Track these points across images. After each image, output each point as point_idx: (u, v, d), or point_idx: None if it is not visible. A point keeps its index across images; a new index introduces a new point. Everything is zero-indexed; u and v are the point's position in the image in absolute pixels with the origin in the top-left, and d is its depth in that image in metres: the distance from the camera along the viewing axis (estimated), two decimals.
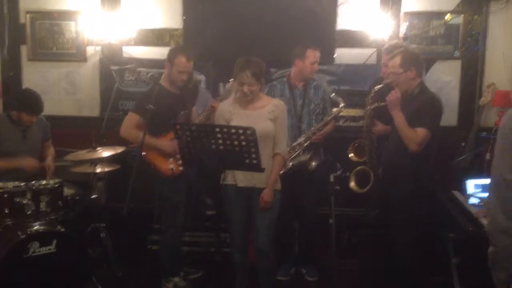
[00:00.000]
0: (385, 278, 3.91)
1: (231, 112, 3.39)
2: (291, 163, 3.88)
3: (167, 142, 3.71)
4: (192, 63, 3.75)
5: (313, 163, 3.90)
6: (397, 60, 3.54)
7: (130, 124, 3.74)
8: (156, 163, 3.75)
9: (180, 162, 3.66)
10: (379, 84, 3.80)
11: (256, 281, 3.59)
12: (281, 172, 3.55)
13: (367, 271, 4.33)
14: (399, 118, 3.47)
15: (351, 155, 3.97)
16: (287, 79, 4.15)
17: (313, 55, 4.04)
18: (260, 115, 3.37)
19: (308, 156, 3.85)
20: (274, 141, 3.40)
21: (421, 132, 3.39)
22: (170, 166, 3.70)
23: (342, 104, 4.02)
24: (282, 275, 4.22)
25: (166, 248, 3.96)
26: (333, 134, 4.36)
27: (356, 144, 4.05)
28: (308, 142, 3.97)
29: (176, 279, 3.96)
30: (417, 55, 3.62)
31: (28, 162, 4.03)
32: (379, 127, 3.94)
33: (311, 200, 4.13)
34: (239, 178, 3.36)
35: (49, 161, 4.24)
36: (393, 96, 3.51)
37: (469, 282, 3.60)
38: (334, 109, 4.07)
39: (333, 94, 4.14)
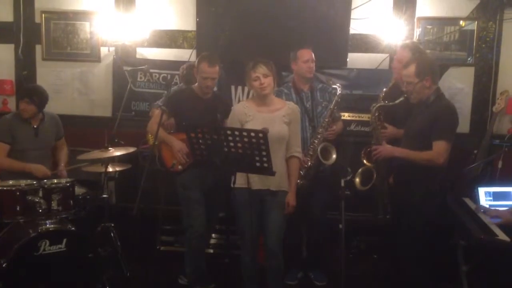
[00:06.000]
0: (393, 284, 3.89)
1: (246, 115, 3.42)
2: (309, 162, 3.89)
3: (178, 141, 3.78)
4: (215, 69, 3.78)
5: (333, 156, 3.91)
6: (412, 69, 3.39)
7: (154, 120, 3.91)
8: (163, 153, 3.86)
9: (183, 162, 3.77)
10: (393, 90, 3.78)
11: (263, 284, 3.58)
12: (301, 173, 3.70)
13: (376, 277, 4.32)
14: (405, 155, 3.44)
15: (364, 160, 3.94)
16: (292, 83, 4.17)
17: (304, 54, 4.05)
18: (276, 118, 3.41)
19: (321, 145, 3.87)
20: (288, 143, 3.45)
21: (441, 145, 3.32)
22: (174, 160, 3.80)
23: (336, 86, 4.03)
24: (290, 279, 4.21)
25: (188, 251, 3.94)
26: (344, 139, 4.35)
27: (368, 149, 4.01)
28: (321, 139, 3.96)
29: None
30: (432, 63, 3.52)
31: (38, 170, 4.03)
32: (390, 130, 3.88)
33: (320, 204, 4.11)
34: (253, 180, 3.36)
35: (62, 168, 4.28)
36: (381, 149, 3.54)
37: None
38: (339, 93, 4.03)
39: (332, 84, 4.14)
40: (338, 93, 4.02)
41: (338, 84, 4.08)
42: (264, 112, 3.42)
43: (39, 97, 4.15)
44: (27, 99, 4.11)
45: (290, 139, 3.46)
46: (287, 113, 3.44)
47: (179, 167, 3.79)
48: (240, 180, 3.38)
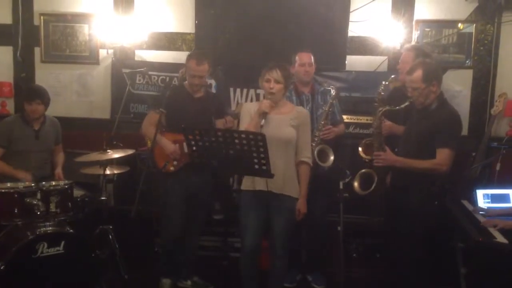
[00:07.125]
0: (392, 286, 3.88)
1: (255, 112, 3.41)
2: None
3: (171, 144, 3.80)
4: (203, 67, 3.79)
5: (331, 158, 3.90)
6: (418, 74, 3.35)
7: (148, 122, 3.94)
8: (155, 154, 3.86)
9: (175, 163, 3.80)
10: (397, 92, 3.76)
11: (263, 286, 3.58)
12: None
13: (375, 279, 4.31)
14: (408, 165, 3.40)
15: (360, 149, 3.93)
16: (294, 86, 4.17)
17: (302, 57, 4.10)
18: (283, 120, 3.39)
19: (318, 148, 3.88)
20: (297, 148, 3.43)
21: (445, 153, 3.29)
22: (165, 161, 3.81)
23: (330, 88, 4.10)
24: (288, 282, 4.20)
25: (162, 251, 4.04)
26: (342, 141, 4.34)
27: (368, 142, 3.97)
28: (318, 142, 3.96)
29: (164, 280, 3.97)
30: (437, 67, 3.49)
31: (24, 178, 3.95)
32: (388, 124, 3.83)
33: (320, 207, 4.11)
34: (257, 181, 3.36)
35: (59, 170, 4.30)
36: (384, 157, 3.48)
37: None
38: (333, 94, 4.07)
39: (326, 86, 4.20)
40: (332, 95, 4.03)
41: (332, 86, 4.09)
42: (272, 113, 3.39)
43: (47, 97, 4.24)
44: (39, 100, 4.15)
45: (299, 144, 3.42)
46: (295, 117, 3.41)
47: (171, 168, 3.80)
48: (246, 182, 3.39)
